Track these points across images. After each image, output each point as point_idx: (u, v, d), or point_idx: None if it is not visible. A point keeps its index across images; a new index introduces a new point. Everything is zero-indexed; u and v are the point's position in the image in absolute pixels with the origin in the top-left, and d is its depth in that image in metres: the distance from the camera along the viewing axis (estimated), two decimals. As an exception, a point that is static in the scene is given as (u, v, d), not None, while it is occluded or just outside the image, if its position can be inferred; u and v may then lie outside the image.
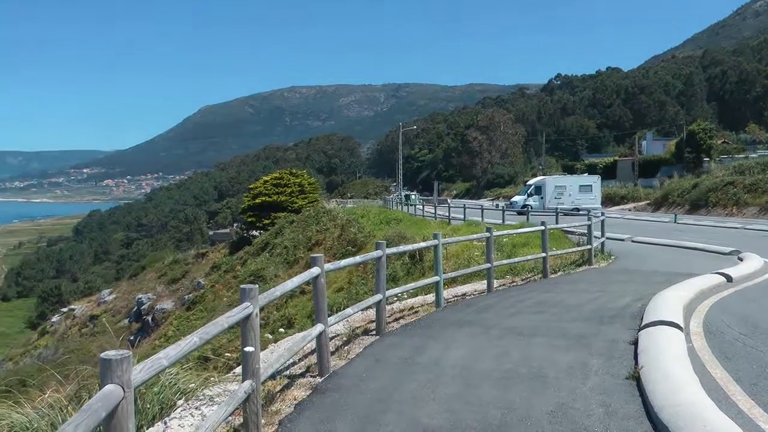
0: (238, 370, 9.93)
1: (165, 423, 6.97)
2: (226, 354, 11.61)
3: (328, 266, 9.05)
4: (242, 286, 6.49)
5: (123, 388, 3.91)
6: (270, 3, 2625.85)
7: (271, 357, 8.70)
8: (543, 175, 78.53)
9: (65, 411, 7.23)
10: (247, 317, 6.25)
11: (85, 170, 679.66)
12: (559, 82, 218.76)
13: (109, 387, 3.86)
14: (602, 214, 28.86)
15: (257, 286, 6.58)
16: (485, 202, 70.10)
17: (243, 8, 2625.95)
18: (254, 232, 66.31)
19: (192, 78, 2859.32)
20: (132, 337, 52.64)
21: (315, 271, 8.51)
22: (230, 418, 6.78)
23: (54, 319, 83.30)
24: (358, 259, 11.46)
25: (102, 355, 3.97)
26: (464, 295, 16.27)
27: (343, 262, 10.85)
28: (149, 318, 60.41)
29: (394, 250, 13.25)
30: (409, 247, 16.01)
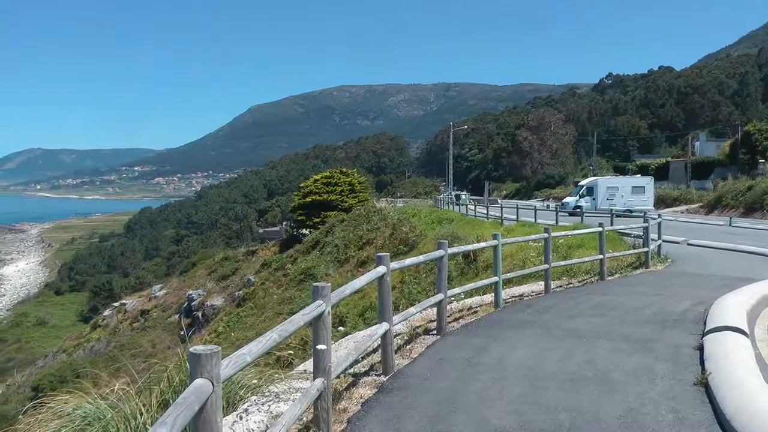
0: (301, 367, 10.04)
1: (241, 417, 7.04)
2: (288, 352, 11.68)
3: (393, 265, 9.08)
4: (314, 284, 6.52)
5: (212, 383, 3.98)
6: (321, 1, 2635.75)
7: (337, 355, 8.76)
8: (593, 175, 77.72)
9: (133, 402, 7.34)
10: (320, 315, 6.30)
11: (136, 168, 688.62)
12: (610, 82, 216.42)
13: (199, 381, 3.92)
14: (658, 216, 28.45)
15: (329, 284, 6.62)
16: (536, 203, 69.57)
17: (293, 7, 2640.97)
18: (304, 231, 66.52)
19: (242, 77, 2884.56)
20: (183, 333, 53.27)
21: (381, 270, 8.54)
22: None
23: (106, 313, 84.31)
24: (421, 258, 11.46)
25: (191, 349, 4.03)
26: (522, 295, 16.20)
27: (408, 261, 10.88)
28: (199, 314, 60.96)
29: (455, 249, 13.27)
30: (470, 246, 15.98)
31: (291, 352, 11.67)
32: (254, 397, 7.75)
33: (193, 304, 64.10)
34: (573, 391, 7.93)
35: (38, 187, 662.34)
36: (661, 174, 79.55)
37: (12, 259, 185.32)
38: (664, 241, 25.90)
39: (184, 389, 7.24)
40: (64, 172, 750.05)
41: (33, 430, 7.13)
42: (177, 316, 64.84)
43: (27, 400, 45.07)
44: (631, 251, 22.68)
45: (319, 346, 6.38)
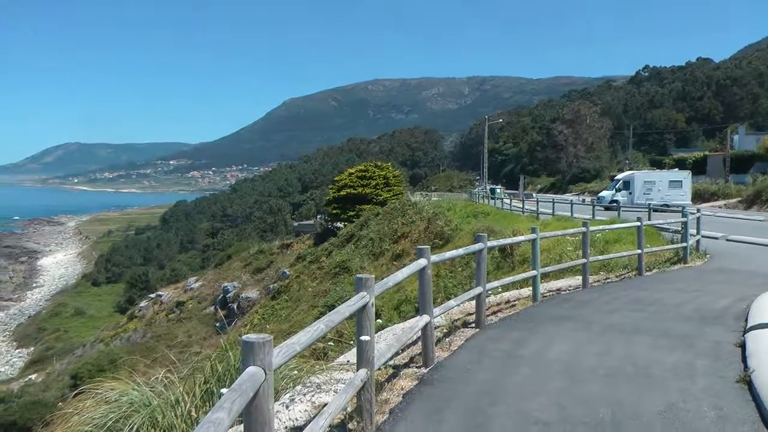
0: (342, 358, 10.12)
1: (286, 407, 7.13)
2: (329, 343, 11.77)
3: (433, 258, 9.12)
4: (357, 275, 6.58)
5: (264, 371, 4.04)
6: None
7: (377, 347, 8.84)
8: (629, 169, 76.94)
9: (177, 389, 7.46)
10: (364, 307, 6.36)
11: (171, 162, 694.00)
12: (646, 74, 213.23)
13: (251, 369, 3.98)
14: (698, 210, 28.15)
15: (373, 276, 6.68)
16: (572, 197, 69.13)
17: (329, 2, 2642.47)
18: (339, 224, 66.69)
19: (277, 72, 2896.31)
20: (218, 324, 53.68)
21: (422, 262, 8.58)
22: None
23: (142, 304, 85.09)
24: (461, 251, 11.50)
25: (244, 337, 4.10)
26: (559, 290, 16.17)
27: (448, 254, 10.91)
28: (234, 306, 61.38)
29: (494, 243, 13.26)
30: (508, 240, 15.93)
31: (331, 343, 11.74)
32: (298, 387, 7.85)
33: (228, 296, 64.55)
34: (613, 386, 7.92)
35: (75, 180, 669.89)
36: (698, 168, 78.51)
37: (50, 250, 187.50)
38: (702, 236, 25.64)
39: (228, 378, 7.42)
40: (100, 166, 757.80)
41: (81, 415, 7.28)
42: (212, 308, 65.36)
43: (66, 388, 45.99)
44: (669, 246, 22.51)
45: (363, 337, 6.44)
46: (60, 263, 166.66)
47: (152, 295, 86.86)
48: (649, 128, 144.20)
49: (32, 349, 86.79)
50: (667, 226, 25.75)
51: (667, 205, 47.44)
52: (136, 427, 6.77)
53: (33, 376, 66.07)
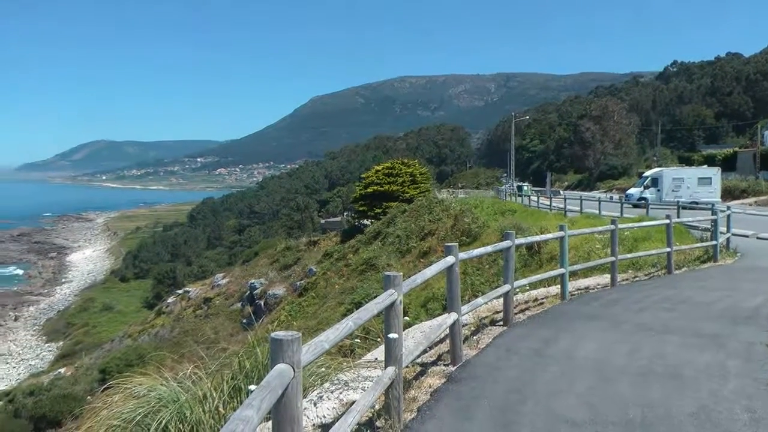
0: (369, 355, 10.11)
1: (314, 404, 7.13)
2: (356, 340, 11.75)
3: (461, 255, 9.08)
4: (386, 273, 6.54)
5: (293, 368, 4.02)
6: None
7: (405, 345, 8.82)
8: (657, 166, 76.25)
9: (205, 385, 7.48)
10: (392, 304, 6.33)
11: (199, 159, 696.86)
12: (675, 69, 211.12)
13: (280, 366, 3.96)
14: (728, 207, 27.82)
15: (401, 273, 6.65)
16: (599, 194, 68.64)
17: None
18: (365, 221, 66.72)
19: (303, 69, 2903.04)
20: (245, 321, 53.87)
21: (450, 260, 8.54)
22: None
23: (169, 300, 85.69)
24: (489, 248, 11.45)
25: (272, 335, 4.07)
26: (587, 288, 16.07)
27: (476, 252, 10.87)
28: (261, 302, 61.55)
29: (522, 240, 13.20)
30: (537, 238, 15.90)
31: (358, 340, 11.73)
32: (326, 384, 7.84)
33: (254, 292, 64.79)
34: (643, 386, 7.83)
35: (104, 177, 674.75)
36: (728, 165, 77.49)
37: (79, 246, 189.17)
38: (732, 234, 25.36)
39: (256, 374, 7.43)
40: (128, 163, 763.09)
41: (110, 409, 7.32)
42: (239, 304, 65.66)
43: (95, 382, 46.40)
44: (699, 244, 22.31)
45: (391, 335, 6.41)
46: (88, 259, 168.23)
47: (180, 292, 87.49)
48: (678, 124, 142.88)
49: (61, 343, 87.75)
50: (697, 224, 25.48)
51: (696, 203, 46.91)
52: (164, 422, 6.80)
53: (62, 370, 66.72)
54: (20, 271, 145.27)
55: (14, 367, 79.44)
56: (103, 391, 8.33)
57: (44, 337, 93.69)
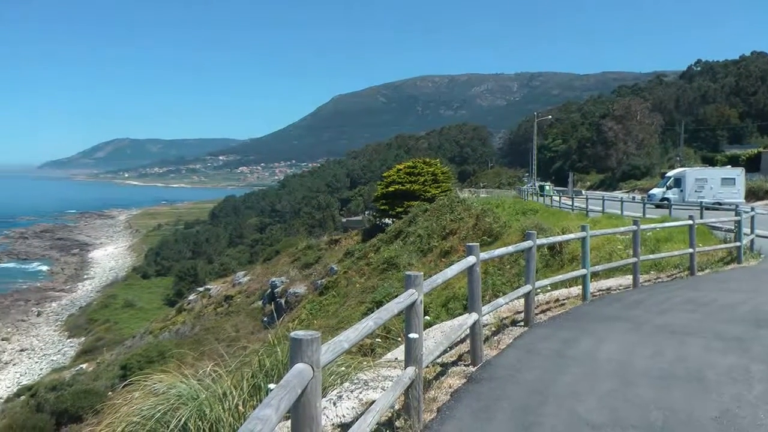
0: (390, 355, 10.08)
1: (334, 404, 7.12)
2: (377, 339, 11.75)
3: (483, 255, 9.04)
4: (407, 272, 6.52)
5: (312, 368, 4.02)
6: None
7: (425, 345, 8.79)
8: (681, 166, 75.71)
9: (225, 383, 7.49)
10: (413, 304, 6.31)
11: (221, 157, 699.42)
12: (699, 69, 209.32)
13: (299, 366, 3.96)
14: (752, 209, 27.55)
15: (422, 273, 6.62)
16: (622, 195, 68.25)
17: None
18: (387, 220, 66.65)
19: (325, 68, 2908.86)
20: (266, 319, 54.00)
21: (471, 260, 8.51)
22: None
23: (191, 297, 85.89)
24: (510, 248, 11.40)
25: (292, 334, 4.07)
26: (609, 289, 15.97)
27: (497, 252, 10.84)
28: (282, 301, 61.62)
29: (543, 240, 13.14)
30: (558, 238, 15.80)
31: (378, 339, 11.72)
32: (345, 384, 7.83)
33: (275, 291, 64.86)
34: (665, 389, 7.76)
35: (126, 175, 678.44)
36: (752, 165, 76.83)
37: (101, 243, 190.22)
38: (756, 235, 25.13)
39: (276, 372, 7.43)
40: (150, 161, 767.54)
41: (131, 406, 7.35)
42: (260, 303, 65.77)
43: (116, 378, 46.68)
44: (722, 246, 22.10)
45: (412, 335, 6.39)
46: (110, 256, 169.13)
47: (201, 289, 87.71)
48: (701, 124, 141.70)
49: (83, 339, 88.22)
50: (720, 225, 25.28)
51: (720, 203, 46.52)
52: (183, 419, 6.82)
53: (84, 366, 67.15)
54: (44, 267, 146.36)
55: (37, 362, 79.95)
56: (123, 387, 8.36)
57: (66, 333, 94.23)
